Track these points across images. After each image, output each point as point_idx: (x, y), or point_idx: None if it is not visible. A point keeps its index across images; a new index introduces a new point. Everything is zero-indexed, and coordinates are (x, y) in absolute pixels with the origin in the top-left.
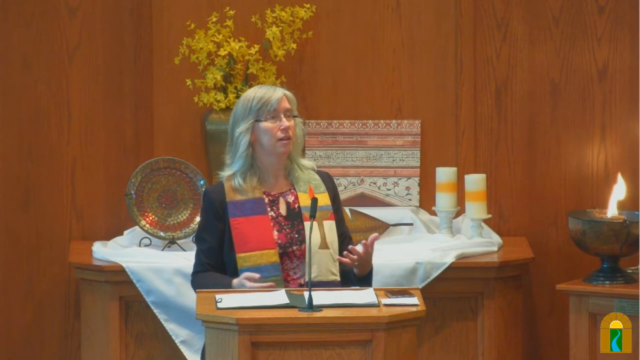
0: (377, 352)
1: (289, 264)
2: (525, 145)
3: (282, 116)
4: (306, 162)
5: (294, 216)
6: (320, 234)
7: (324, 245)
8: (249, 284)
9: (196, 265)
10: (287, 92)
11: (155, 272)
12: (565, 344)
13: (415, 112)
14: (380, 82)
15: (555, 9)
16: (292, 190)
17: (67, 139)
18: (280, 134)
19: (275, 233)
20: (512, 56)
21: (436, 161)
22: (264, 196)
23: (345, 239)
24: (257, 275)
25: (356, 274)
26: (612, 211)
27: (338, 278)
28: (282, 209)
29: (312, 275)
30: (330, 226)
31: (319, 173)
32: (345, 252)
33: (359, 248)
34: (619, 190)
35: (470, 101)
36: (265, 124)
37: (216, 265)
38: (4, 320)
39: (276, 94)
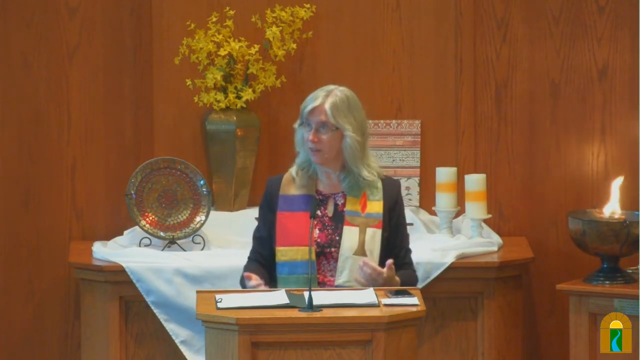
0: (377, 352)
1: (325, 265)
2: (525, 145)
3: (313, 127)
4: (366, 173)
5: (339, 218)
6: (359, 240)
7: (360, 251)
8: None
9: (250, 250)
10: (328, 104)
11: (155, 272)
12: (565, 344)
13: (415, 112)
14: (380, 82)
15: (555, 9)
16: (344, 193)
17: (67, 139)
18: (307, 144)
19: (317, 232)
20: (512, 56)
21: (436, 161)
22: (316, 194)
23: (395, 250)
24: (253, 277)
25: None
26: (612, 207)
27: (370, 287)
28: (329, 210)
29: (343, 281)
30: (373, 234)
31: (386, 181)
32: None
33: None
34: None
35: (470, 101)
36: (302, 130)
37: (266, 254)
38: (4, 320)
39: (312, 104)
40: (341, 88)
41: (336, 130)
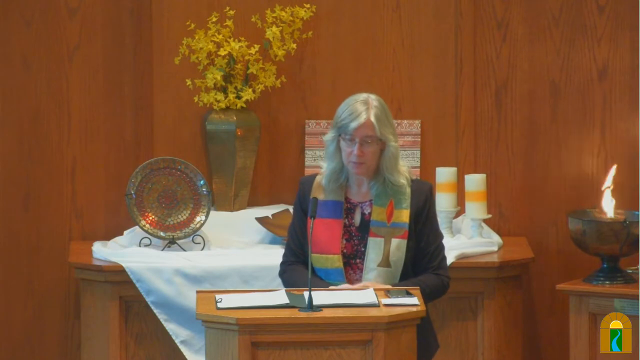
0: (377, 352)
1: (352, 275)
2: (525, 145)
3: (358, 142)
4: (397, 179)
5: (365, 229)
6: (384, 252)
7: (385, 263)
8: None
9: (285, 254)
10: (373, 118)
11: (155, 272)
12: (565, 344)
13: (415, 112)
14: (380, 82)
15: (555, 9)
16: (371, 202)
17: (67, 139)
18: (351, 158)
19: (344, 242)
20: (512, 56)
21: (436, 161)
22: (344, 202)
23: (425, 257)
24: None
25: None
26: (608, 207)
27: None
28: (357, 219)
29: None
30: (398, 245)
31: (414, 185)
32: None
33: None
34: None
35: (470, 101)
36: (343, 143)
37: (304, 257)
38: (4, 320)
39: (357, 120)
40: (372, 96)
41: (380, 142)
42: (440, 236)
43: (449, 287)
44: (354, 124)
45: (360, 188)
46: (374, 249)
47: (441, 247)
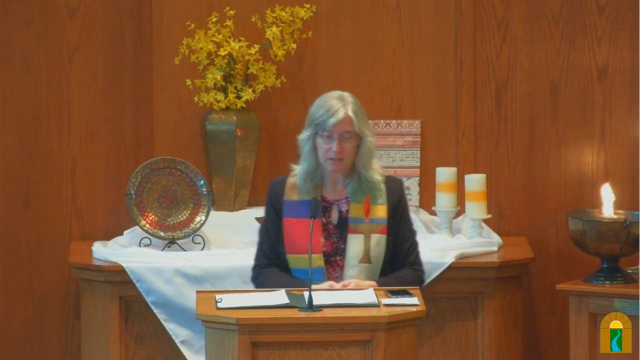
0: (377, 352)
1: (332, 273)
2: (525, 145)
3: (336, 138)
4: (372, 175)
5: (344, 226)
6: (365, 248)
7: (365, 259)
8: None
9: (258, 258)
10: (351, 113)
11: (155, 272)
12: (565, 344)
13: (415, 112)
14: (380, 82)
15: (555, 9)
16: (348, 199)
17: (67, 139)
18: (329, 154)
19: (323, 240)
20: (512, 56)
21: (436, 161)
22: (320, 200)
23: (402, 253)
24: (327, 284)
25: None
26: (608, 212)
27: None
28: (334, 217)
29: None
30: (378, 240)
31: (388, 181)
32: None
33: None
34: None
35: (470, 101)
36: (320, 141)
37: (277, 259)
38: (4, 320)
39: (335, 116)
40: (346, 93)
41: (357, 137)
42: (415, 232)
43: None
44: (332, 120)
45: (336, 186)
46: (354, 245)
47: (416, 243)
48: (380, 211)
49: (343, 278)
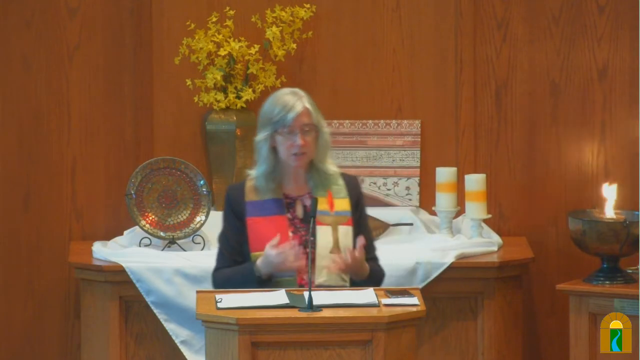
0: (377, 352)
1: (302, 267)
2: (525, 145)
3: (298, 132)
4: (330, 167)
5: (310, 219)
6: (333, 239)
7: (335, 250)
8: (274, 252)
9: (217, 262)
10: (308, 105)
11: (155, 272)
12: (565, 344)
13: (415, 112)
14: (380, 82)
15: (555, 9)
16: (310, 194)
17: (67, 139)
18: (293, 149)
19: (291, 234)
20: (512, 56)
21: (436, 161)
22: (283, 198)
23: (368, 248)
24: (276, 240)
25: (354, 280)
26: (608, 212)
27: (348, 284)
28: (299, 212)
29: (322, 280)
30: (345, 232)
31: (346, 177)
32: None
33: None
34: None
35: (470, 101)
36: (281, 138)
37: (240, 262)
38: (4, 320)
39: (294, 110)
40: (296, 89)
41: (316, 130)
42: (371, 231)
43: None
44: (291, 115)
45: (297, 182)
46: (323, 236)
47: (373, 239)
48: (344, 204)
49: (315, 269)
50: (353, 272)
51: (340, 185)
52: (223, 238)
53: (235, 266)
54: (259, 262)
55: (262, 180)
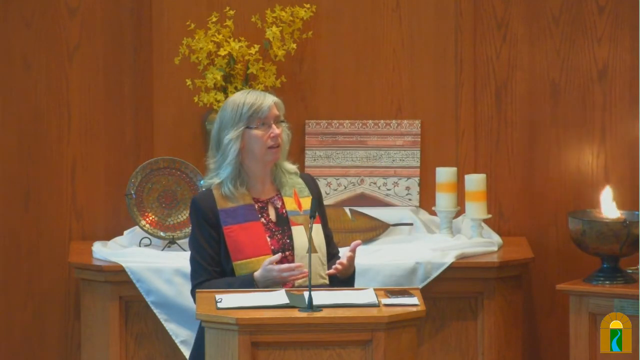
0: (377, 352)
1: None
2: (525, 145)
3: (272, 123)
4: (290, 166)
5: (283, 222)
6: (308, 237)
7: (312, 249)
8: (276, 268)
9: (197, 275)
10: (277, 99)
11: (155, 272)
12: (565, 344)
13: (415, 112)
14: (380, 82)
15: (555, 9)
16: (279, 196)
17: (67, 139)
18: (270, 142)
19: (268, 239)
20: (512, 56)
21: (436, 161)
22: (254, 202)
23: (329, 241)
24: (277, 257)
25: (339, 277)
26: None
27: (327, 281)
28: (272, 215)
29: (302, 280)
30: (317, 229)
31: (302, 176)
32: (334, 267)
33: (344, 259)
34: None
35: (470, 101)
36: (256, 132)
37: (221, 272)
38: (4, 321)
39: (267, 101)
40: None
41: (281, 124)
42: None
43: None
44: (266, 105)
45: (264, 185)
46: (299, 237)
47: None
48: (309, 203)
49: (310, 270)
50: (345, 273)
51: (301, 184)
52: (199, 249)
53: (224, 278)
54: (257, 275)
55: (230, 185)
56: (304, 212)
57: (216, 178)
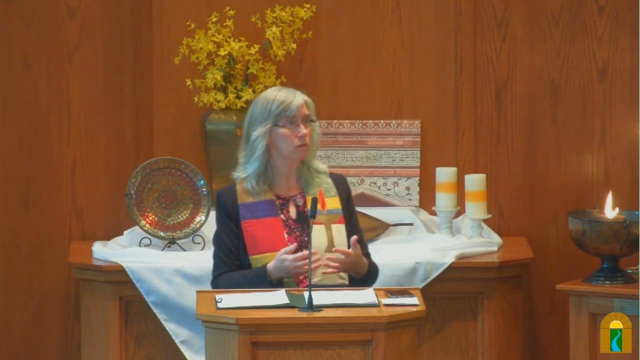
0: (377, 352)
1: (300, 267)
2: (525, 145)
3: (301, 123)
4: (320, 165)
5: (304, 220)
6: (328, 238)
7: (330, 248)
8: (290, 257)
9: (218, 267)
10: (307, 98)
11: (155, 272)
12: (565, 344)
13: (415, 112)
14: (380, 82)
15: (555, 9)
16: (302, 194)
17: (67, 139)
18: (297, 141)
19: (286, 236)
20: (512, 56)
21: (436, 161)
22: (275, 199)
23: (361, 241)
24: (292, 247)
25: (354, 277)
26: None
27: (346, 282)
28: (292, 212)
29: (319, 279)
30: (338, 230)
31: (333, 176)
32: (325, 263)
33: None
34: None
35: (470, 101)
36: (284, 130)
37: (237, 264)
38: (4, 321)
39: (297, 99)
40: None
41: (311, 123)
42: (361, 230)
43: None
44: (295, 104)
45: (288, 182)
46: (318, 236)
47: (364, 236)
48: (335, 203)
49: (311, 270)
50: (352, 270)
51: (329, 184)
52: (220, 243)
53: (240, 271)
54: (270, 266)
55: (254, 181)
56: (328, 212)
57: (242, 173)
